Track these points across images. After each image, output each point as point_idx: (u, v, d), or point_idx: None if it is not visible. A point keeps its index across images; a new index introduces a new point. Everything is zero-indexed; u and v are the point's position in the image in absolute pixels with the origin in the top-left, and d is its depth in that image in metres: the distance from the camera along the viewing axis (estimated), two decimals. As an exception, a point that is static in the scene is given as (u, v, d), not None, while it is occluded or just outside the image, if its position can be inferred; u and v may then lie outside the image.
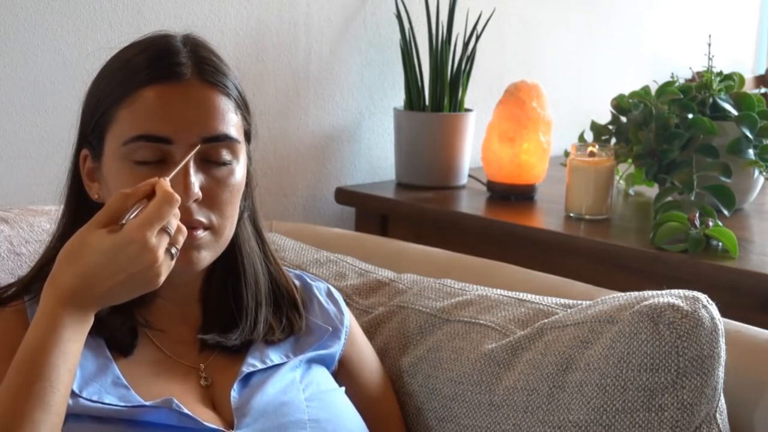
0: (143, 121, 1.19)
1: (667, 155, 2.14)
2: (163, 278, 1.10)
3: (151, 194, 1.10)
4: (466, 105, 2.44)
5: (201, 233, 1.20)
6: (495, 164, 2.37)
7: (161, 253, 1.08)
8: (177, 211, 1.10)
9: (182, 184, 1.17)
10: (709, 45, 2.28)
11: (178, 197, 1.09)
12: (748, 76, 3.10)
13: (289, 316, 1.33)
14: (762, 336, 1.37)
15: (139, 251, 1.06)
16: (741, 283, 1.84)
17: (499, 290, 1.49)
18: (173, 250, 1.10)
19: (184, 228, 1.11)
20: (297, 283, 1.38)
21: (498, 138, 2.36)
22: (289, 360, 1.29)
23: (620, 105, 2.31)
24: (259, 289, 1.31)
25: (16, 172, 1.91)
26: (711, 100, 2.19)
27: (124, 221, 1.08)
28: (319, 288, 1.40)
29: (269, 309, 1.31)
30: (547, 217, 2.22)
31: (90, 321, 1.10)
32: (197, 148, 1.18)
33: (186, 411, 1.17)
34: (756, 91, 2.41)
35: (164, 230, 1.08)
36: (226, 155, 1.22)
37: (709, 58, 2.28)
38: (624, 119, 2.29)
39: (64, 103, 1.92)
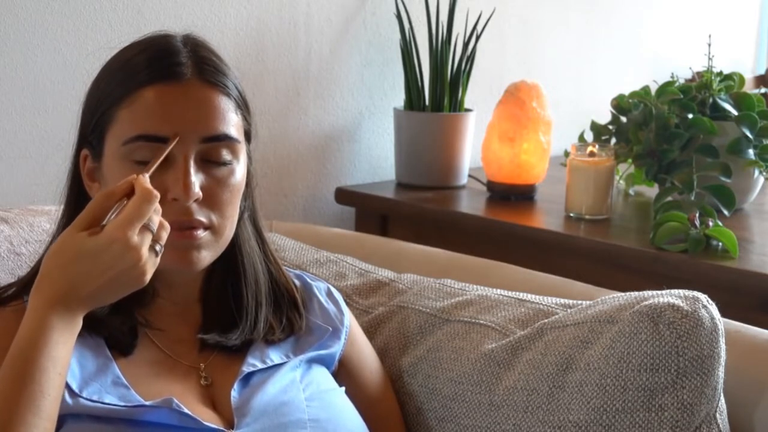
0: (143, 121, 1.19)
1: (667, 155, 2.14)
2: (149, 276, 1.09)
3: (130, 192, 1.10)
4: (466, 105, 2.44)
5: (201, 233, 1.20)
6: (495, 164, 2.37)
7: (145, 251, 1.08)
8: (158, 207, 1.10)
9: (182, 183, 1.17)
10: (709, 45, 2.28)
11: (156, 193, 1.09)
12: (748, 76, 3.10)
13: (289, 316, 1.33)
14: (762, 336, 1.37)
15: (121, 251, 1.06)
16: (741, 283, 1.84)
17: (499, 290, 1.49)
18: (157, 247, 1.10)
19: (166, 224, 1.11)
20: (297, 283, 1.38)
21: (498, 138, 2.36)
22: (289, 360, 1.29)
23: (620, 105, 2.31)
24: (259, 289, 1.31)
25: (16, 172, 1.91)
26: (711, 100, 2.19)
27: (104, 222, 1.08)
28: (319, 288, 1.40)
29: (269, 309, 1.31)
30: (547, 217, 2.22)
31: (79, 323, 1.10)
32: (176, 140, 1.17)
33: (186, 411, 1.17)
34: (756, 91, 2.41)
35: (146, 228, 1.08)
36: (226, 155, 1.22)
37: (709, 58, 2.28)
38: (624, 119, 2.29)
39: (64, 103, 1.92)
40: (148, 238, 1.08)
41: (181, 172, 1.18)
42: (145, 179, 1.10)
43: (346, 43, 2.42)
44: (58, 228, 1.28)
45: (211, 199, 1.21)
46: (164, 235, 1.10)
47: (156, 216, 1.09)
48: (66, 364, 1.09)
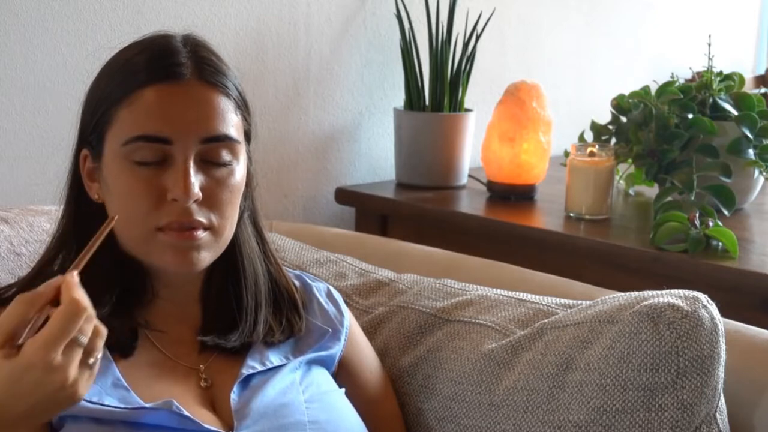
0: (143, 121, 1.19)
1: (667, 155, 2.14)
2: (84, 392, 0.97)
3: (56, 298, 0.95)
4: (466, 105, 2.44)
5: (201, 233, 1.20)
6: (495, 164, 2.37)
7: (72, 370, 0.94)
8: (91, 313, 0.96)
9: (182, 184, 1.17)
10: (709, 45, 2.28)
11: (85, 305, 0.95)
12: (748, 76, 3.10)
13: (288, 317, 1.33)
14: (762, 336, 1.37)
15: (42, 376, 0.93)
16: (741, 283, 1.84)
17: (499, 290, 1.49)
18: (91, 360, 0.96)
19: (102, 329, 0.98)
20: (297, 283, 1.38)
21: (498, 138, 2.36)
22: (288, 361, 1.29)
23: (620, 105, 2.31)
24: (259, 290, 1.31)
25: (16, 172, 1.91)
26: (711, 100, 2.19)
27: (20, 341, 0.93)
28: (319, 288, 1.40)
29: (269, 310, 1.31)
30: (547, 217, 2.22)
31: None
32: (113, 220, 1.06)
33: (186, 413, 1.17)
34: (756, 91, 2.41)
35: (74, 343, 0.94)
36: (226, 155, 1.22)
37: (709, 58, 2.28)
38: (624, 119, 2.29)
39: (64, 103, 1.91)
40: (77, 354, 0.95)
41: (180, 172, 1.17)
42: (74, 283, 0.95)
43: (346, 43, 2.42)
44: (58, 228, 1.27)
45: (211, 199, 1.20)
46: (100, 344, 0.96)
47: (88, 324, 0.95)
48: None
